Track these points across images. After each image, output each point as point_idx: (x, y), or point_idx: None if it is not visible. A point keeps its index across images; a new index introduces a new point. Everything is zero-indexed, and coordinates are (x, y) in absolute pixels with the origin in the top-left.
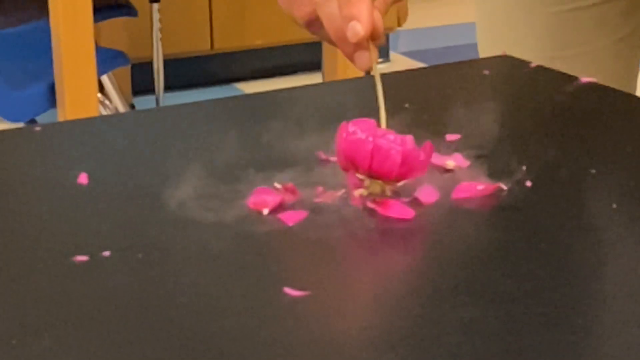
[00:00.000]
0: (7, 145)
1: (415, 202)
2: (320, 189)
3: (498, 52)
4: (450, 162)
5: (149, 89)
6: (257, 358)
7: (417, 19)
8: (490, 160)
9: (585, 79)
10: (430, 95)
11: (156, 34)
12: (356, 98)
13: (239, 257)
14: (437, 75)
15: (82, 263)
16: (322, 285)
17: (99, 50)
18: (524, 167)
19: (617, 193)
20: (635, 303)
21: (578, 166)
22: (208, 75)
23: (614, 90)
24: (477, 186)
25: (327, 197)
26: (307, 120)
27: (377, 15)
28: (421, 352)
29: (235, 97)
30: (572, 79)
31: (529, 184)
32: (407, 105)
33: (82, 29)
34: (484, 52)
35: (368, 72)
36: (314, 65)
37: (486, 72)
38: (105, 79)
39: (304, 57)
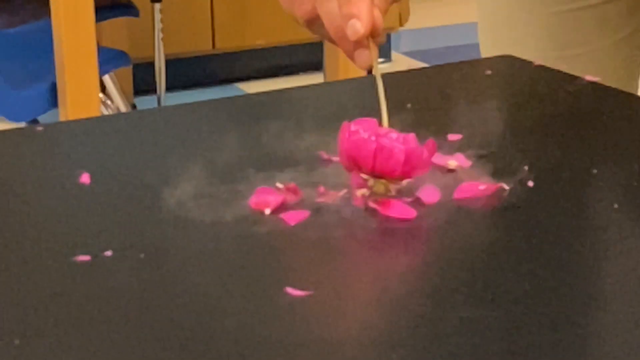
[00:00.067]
0: (9, 145)
1: (417, 202)
2: (322, 188)
3: (499, 52)
4: (452, 162)
5: (151, 89)
6: (258, 358)
7: (418, 18)
8: (492, 160)
9: (586, 78)
10: (432, 95)
11: (158, 34)
12: (358, 98)
13: (240, 257)
14: (439, 75)
15: (84, 263)
16: (323, 285)
17: (101, 50)
18: (525, 167)
19: (618, 193)
20: (636, 303)
21: (579, 166)
22: (209, 75)
23: (615, 90)
24: (479, 186)
25: (329, 197)
26: (308, 120)
27: (377, 14)
28: (422, 352)
29: (237, 97)
30: (573, 78)
31: (530, 183)
32: (408, 105)
33: (83, 29)
34: (486, 52)
35: (370, 72)
36: (316, 65)
37: (488, 72)
38: (106, 78)
39: (306, 57)
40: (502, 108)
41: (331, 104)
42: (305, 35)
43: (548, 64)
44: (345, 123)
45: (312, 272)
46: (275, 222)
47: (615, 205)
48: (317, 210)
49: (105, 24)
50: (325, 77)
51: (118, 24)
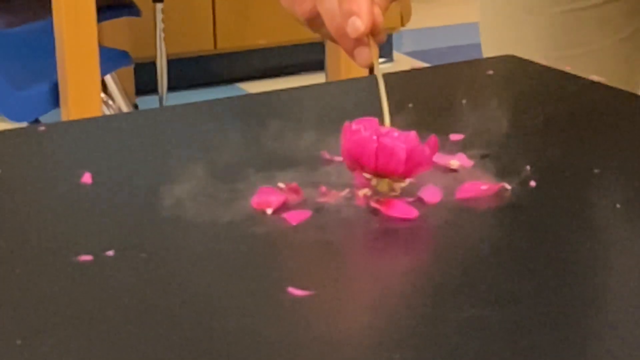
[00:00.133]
0: (11, 144)
1: (419, 202)
2: (324, 188)
3: (501, 52)
4: (454, 162)
5: (152, 89)
6: (260, 358)
7: (420, 18)
8: (494, 160)
9: (588, 78)
10: (434, 95)
11: (159, 34)
12: (359, 98)
13: (242, 257)
14: (440, 75)
15: (86, 263)
16: (325, 285)
17: (102, 50)
18: (527, 167)
19: (620, 193)
20: (638, 302)
21: (582, 166)
22: (211, 75)
23: (617, 89)
24: (481, 186)
25: (331, 196)
26: (310, 120)
27: (377, 11)
28: (425, 351)
29: (239, 97)
30: (575, 78)
31: (532, 183)
32: (410, 105)
33: (85, 29)
34: (487, 52)
35: (371, 71)
36: (317, 65)
37: (490, 72)
38: (108, 78)
39: (307, 57)
40: (504, 108)
41: (333, 104)
42: (307, 35)
43: (549, 64)
44: (347, 123)
45: (314, 272)
46: (277, 222)
47: (618, 205)
48: (319, 210)
49: (107, 24)
50: (327, 77)
51: (120, 24)
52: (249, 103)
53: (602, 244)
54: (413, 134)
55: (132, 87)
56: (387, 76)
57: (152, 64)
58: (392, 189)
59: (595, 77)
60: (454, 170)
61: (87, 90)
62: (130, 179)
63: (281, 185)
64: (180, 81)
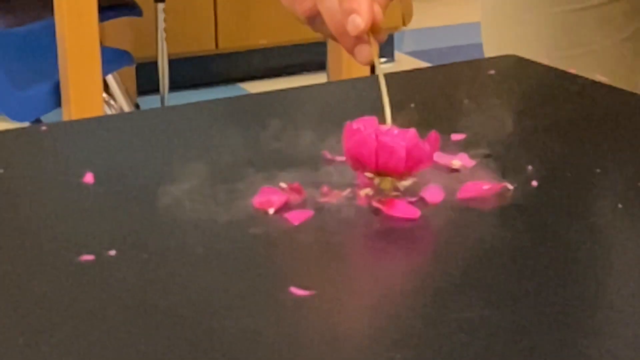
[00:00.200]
0: (13, 144)
1: (421, 202)
2: (325, 188)
3: (503, 52)
4: (456, 162)
5: (154, 89)
6: (261, 357)
7: (422, 18)
8: (495, 160)
9: (591, 78)
10: (436, 95)
11: (161, 34)
12: (361, 98)
13: (244, 257)
14: (442, 75)
15: (88, 262)
16: (327, 284)
17: (104, 50)
18: (529, 167)
19: (622, 193)
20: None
21: (583, 166)
22: (213, 75)
23: (618, 89)
24: (482, 186)
25: (333, 196)
26: (311, 120)
27: (377, 9)
28: (427, 351)
29: (240, 96)
30: (576, 78)
31: (534, 183)
32: (412, 105)
33: (87, 29)
34: (489, 52)
35: (373, 71)
36: (319, 65)
37: (491, 71)
38: (110, 78)
39: (309, 56)
40: (505, 108)
41: (334, 103)
42: (308, 36)
43: (551, 64)
44: (348, 123)
45: (316, 271)
46: (279, 222)
47: (619, 205)
48: (321, 210)
49: (109, 23)
50: (328, 76)
51: (121, 24)
52: (251, 103)
53: (604, 244)
54: (412, 131)
55: (133, 87)
56: (388, 76)
57: (154, 64)
58: (396, 187)
59: (600, 78)
60: (456, 170)
61: (89, 90)
62: (131, 178)
63: (283, 185)
64: (181, 81)
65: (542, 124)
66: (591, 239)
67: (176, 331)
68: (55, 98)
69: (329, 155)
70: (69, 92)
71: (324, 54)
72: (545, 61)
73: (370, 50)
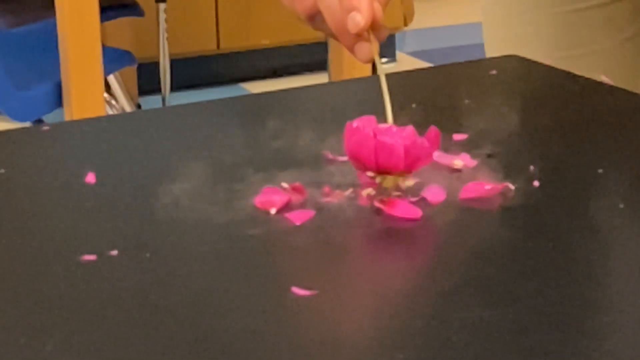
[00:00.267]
0: (14, 144)
1: (422, 202)
2: (327, 188)
3: (504, 52)
4: (457, 162)
5: (155, 89)
6: (263, 357)
7: (423, 18)
8: (497, 160)
9: (594, 79)
10: (437, 95)
11: (162, 34)
12: (362, 98)
13: (246, 257)
14: (444, 75)
15: (90, 262)
16: (329, 284)
17: (106, 50)
18: (531, 167)
19: (624, 193)
20: None
21: (585, 166)
22: (214, 75)
23: (620, 89)
24: (484, 186)
25: (334, 196)
26: (313, 120)
27: (377, 7)
28: (429, 351)
29: (241, 97)
30: (578, 78)
31: (536, 183)
32: (414, 105)
33: (88, 29)
34: (491, 52)
35: (374, 71)
36: (320, 65)
37: (493, 72)
38: (111, 78)
39: (310, 57)
40: (507, 108)
41: (336, 104)
42: (310, 36)
43: (553, 64)
44: (348, 123)
45: (318, 272)
46: (281, 222)
47: (621, 205)
48: (322, 210)
49: (110, 24)
50: (329, 77)
51: (123, 24)
52: (252, 103)
53: (606, 244)
54: (410, 128)
55: (135, 87)
56: (390, 76)
57: (155, 64)
58: (398, 185)
59: (604, 78)
60: (458, 170)
61: (90, 90)
62: (133, 178)
63: (284, 185)
64: (183, 81)
65: (543, 124)
66: (593, 239)
67: (178, 331)
68: (57, 98)
69: (330, 155)
70: (70, 92)
71: (326, 54)
72: (546, 61)
73: (370, 47)
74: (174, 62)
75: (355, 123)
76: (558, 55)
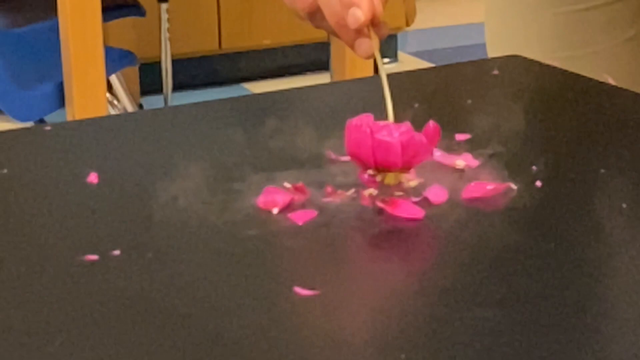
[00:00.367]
0: (17, 144)
1: (425, 202)
2: (329, 188)
3: (507, 52)
4: (459, 162)
5: (157, 89)
6: (266, 357)
7: (425, 19)
8: (500, 160)
9: (596, 79)
10: (440, 95)
11: (164, 34)
12: (364, 98)
13: (248, 257)
14: (446, 75)
15: (92, 262)
16: (331, 284)
17: (108, 50)
18: (533, 167)
19: (626, 193)
20: None
21: (588, 166)
22: (216, 75)
23: (623, 90)
24: (486, 186)
25: (337, 196)
26: (315, 120)
27: (377, 2)
28: (431, 351)
29: (243, 97)
30: (580, 78)
31: (538, 183)
32: (416, 105)
33: (90, 29)
34: (493, 52)
35: (376, 71)
36: (322, 65)
37: (495, 72)
38: (113, 78)
39: (312, 56)
40: (510, 108)
41: (338, 103)
42: (312, 35)
43: (555, 64)
44: (348, 121)
45: (320, 271)
46: (283, 222)
47: (624, 206)
48: (325, 210)
49: (112, 24)
50: (331, 77)
51: (125, 24)
52: (254, 103)
53: (608, 244)
54: (407, 124)
55: (137, 87)
56: (392, 76)
57: (157, 64)
58: (400, 182)
59: (608, 78)
60: (460, 170)
61: (92, 90)
62: (135, 178)
63: (287, 185)
64: (185, 81)
65: (546, 124)
66: (595, 239)
67: (180, 330)
68: (59, 98)
69: (332, 155)
70: (72, 92)
71: (328, 54)
72: (548, 61)
73: (370, 43)
74: (175, 62)
75: (354, 120)
76: (560, 55)
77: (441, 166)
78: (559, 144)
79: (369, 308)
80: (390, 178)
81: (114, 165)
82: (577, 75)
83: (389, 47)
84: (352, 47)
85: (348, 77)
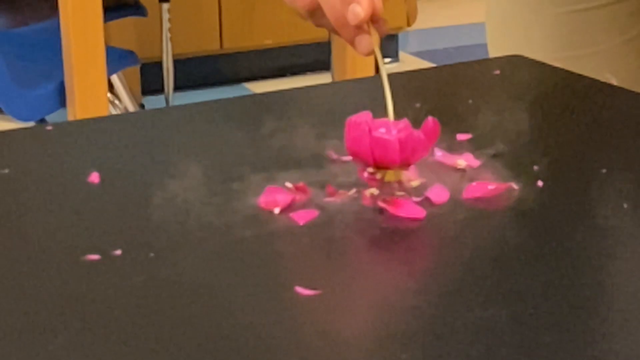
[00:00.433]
0: (18, 144)
1: (426, 202)
2: (330, 188)
3: (508, 52)
4: (461, 162)
5: (159, 89)
6: (267, 357)
7: (426, 18)
8: (501, 160)
9: (595, 78)
10: (441, 95)
11: (166, 34)
12: (365, 97)
13: (250, 256)
14: (447, 75)
15: (94, 262)
16: (332, 284)
17: (109, 49)
18: (535, 167)
19: (628, 193)
20: None
21: (589, 166)
22: (217, 75)
23: (623, 90)
24: (488, 186)
25: (338, 196)
26: (316, 120)
27: None
28: (432, 351)
29: (245, 96)
30: (581, 78)
31: (540, 183)
32: (417, 105)
33: (92, 29)
34: (494, 52)
35: (377, 71)
36: (323, 65)
37: (497, 72)
38: (115, 78)
39: (313, 56)
40: (511, 108)
41: (339, 103)
42: (313, 35)
43: (556, 64)
44: (348, 119)
45: (321, 271)
46: (285, 222)
47: (625, 205)
48: (326, 209)
49: (114, 23)
50: (332, 76)
51: (126, 24)
52: (255, 103)
53: (610, 244)
54: (404, 121)
55: (138, 87)
56: (393, 76)
57: (158, 64)
58: (400, 180)
59: (610, 78)
60: (461, 170)
61: (94, 90)
62: (137, 178)
63: (288, 184)
64: (186, 81)
65: (547, 124)
66: (596, 239)
67: (182, 330)
68: (60, 98)
69: (334, 155)
70: (73, 92)
71: (329, 53)
72: (549, 61)
73: (370, 40)
74: (177, 62)
75: (353, 119)
76: (561, 55)
77: (442, 166)
78: (560, 143)
79: (370, 307)
80: (390, 175)
81: (115, 165)
82: (579, 75)
83: (390, 47)
84: (352, 44)
85: (349, 77)
